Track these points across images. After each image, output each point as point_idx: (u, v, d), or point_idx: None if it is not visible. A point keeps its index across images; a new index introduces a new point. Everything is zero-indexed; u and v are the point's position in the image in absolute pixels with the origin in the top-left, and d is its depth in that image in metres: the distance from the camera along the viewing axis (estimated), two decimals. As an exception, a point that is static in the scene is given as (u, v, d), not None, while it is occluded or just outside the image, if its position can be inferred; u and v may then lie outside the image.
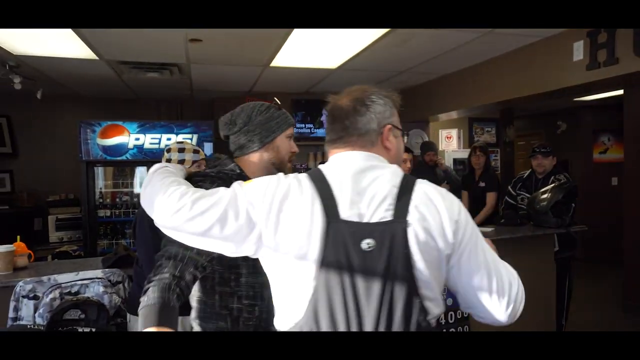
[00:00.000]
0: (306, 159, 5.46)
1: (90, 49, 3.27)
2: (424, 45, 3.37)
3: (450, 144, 6.19)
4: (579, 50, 2.97)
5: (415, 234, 1.00)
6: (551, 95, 3.41)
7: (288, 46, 3.30)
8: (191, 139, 4.71)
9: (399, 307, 1.00)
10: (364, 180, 1.05)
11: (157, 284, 1.19)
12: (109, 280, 2.19)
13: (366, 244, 0.99)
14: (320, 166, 1.11)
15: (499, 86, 3.82)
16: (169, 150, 2.22)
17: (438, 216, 1.03)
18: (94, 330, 1.94)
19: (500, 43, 3.42)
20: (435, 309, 1.05)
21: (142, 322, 1.11)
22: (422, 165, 4.82)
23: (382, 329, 1.00)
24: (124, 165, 4.72)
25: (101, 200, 4.74)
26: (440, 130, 6.12)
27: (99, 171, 4.74)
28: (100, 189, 4.81)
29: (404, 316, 1.00)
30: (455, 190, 4.80)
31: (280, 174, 1.09)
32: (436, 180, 4.71)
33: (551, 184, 3.65)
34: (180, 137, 4.66)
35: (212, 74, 4.26)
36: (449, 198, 1.07)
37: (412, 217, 1.01)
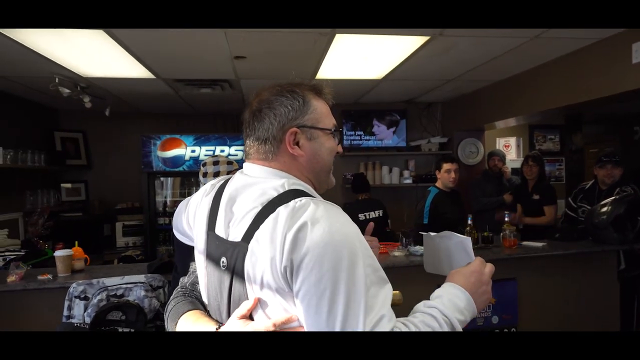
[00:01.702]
0: (357, 168, 5.46)
1: (148, 69, 3.54)
2: (467, 52, 3.27)
3: (508, 153, 5.91)
4: (638, 52, 2.74)
5: (251, 259, 0.92)
6: (610, 100, 3.17)
7: (329, 59, 3.36)
8: (244, 151, 4.94)
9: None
10: (238, 199, 1.01)
11: (175, 291, 1.27)
12: (150, 285, 2.35)
13: (222, 261, 1.00)
14: (235, 174, 1.09)
15: (553, 92, 3.60)
16: (204, 165, 2.35)
17: (272, 247, 0.88)
18: (132, 331, 2.09)
19: (545, 48, 3.24)
20: None
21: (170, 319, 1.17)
22: (487, 174, 4.67)
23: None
24: (181, 176, 5.02)
25: (161, 209, 5.07)
26: (497, 139, 5.87)
27: (168, 181, 5.10)
28: (166, 198, 5.17)
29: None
30: (546, 202, 4.61)
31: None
32: (502, 189, 4.53)
33: (615, 195, 3.38)
34: (232, 149, 4.88)
35: (262, 88, 4.42)
36: (303, 230, 0.86)
37: (253, 242, 0.92)
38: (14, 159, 4.01)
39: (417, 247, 3.01)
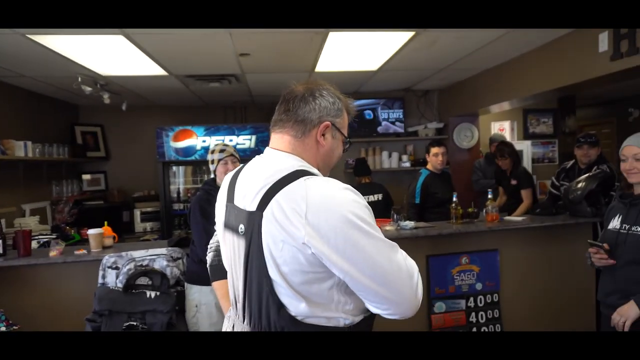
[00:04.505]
0: (358, 153, 5.77)
1: (161, 67, 3.88)
2: (450, 46, 3.57)
3: (502, 136, 6.19)
4: (603, 42, 3.01)
5: (268, 227, 1.07)
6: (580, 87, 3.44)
7: (325, 54, 3.67)
8: (250, 140, 5.29)
9: (254, 290, 1.13)
10: (255, 175, 1.17)
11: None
12: (171, 256, 2.72)
13: (240, 227, 1.16)
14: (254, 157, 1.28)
15: (540, 77, 3.80)
16: (212, 152, 2.68)
17: (286, 213, 1.04)
18: (158, 293, 2.47)
19: (523, 40, 3.52)
20: (293, 303, 1.09)
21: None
22: (489, 158, 4.97)
23: (247, 306, 1.17)
24: (193, 165, 5.40)
25: (175, 196, 5.46)
26: (492, 123, 6.14)
27: (180, 170, 5.48)
28: (179, 186, 5.56)
29: (257, 299, 1.13)
30: (523, 186, 4.88)
31: None
32: (505, 173, 4.81)
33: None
34: (240, 139, 5.24)
35: (267, 81, 4.74)
36: (316, 202, 1.03)
37: (268, 210, 1.06)
38: (41, 152, 4.40)
39: (407, 222, 3.34)
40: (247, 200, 1.15)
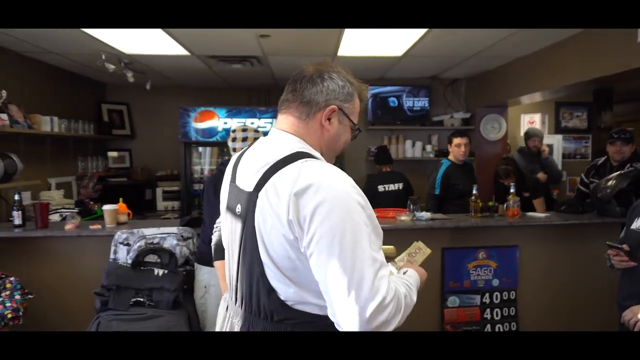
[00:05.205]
0: (381, 141, 5.67)
1: (183, 47, 3.88)
2: (478, 33, 3.42)
3: (532, 130, 5.95)
4: (643, 31, 2.82)
5: (261, 207, 1.06)
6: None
7: (347, 37, 3.58)
8: (272, 123, 5.26)
9: (246, 272, 1.12)
10: (256, 156, 1.16)
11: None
12: (182, 236, 2.73)
13: (237, 208, 1.15)
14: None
15: (576, 67, 3.61)
16: (234, 131, 2.66)
17: (279, 200, 1.02)
18: (166, 271, 2.49)
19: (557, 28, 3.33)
20: (283, 288, 1.07)
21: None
22: (523, 152, 4.80)
23: (239, 288, 1.16)
24: (214, 146, 5.42)
25: (197, 176, 5.51)
26: (522, 115, 5.90)
27: (207, 151, 5.53)
28: (203, 166, 5.61)
29: (249, 282, 1.12)
30: (554, 181, 4.74)
31: None
32: (539, 168, 4.66)
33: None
34: (262, 121, 5.22)
35: (289, 64, 4.68)
36: (309, 188, 0.99)
37: (263, 191, 1.06)
38: (67, 127, 4.50)
39: (423, 213, 3.26)
40: (247, 181, 1.14)
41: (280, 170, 1.04)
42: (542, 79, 4.13)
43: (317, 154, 1.14)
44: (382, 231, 1.06)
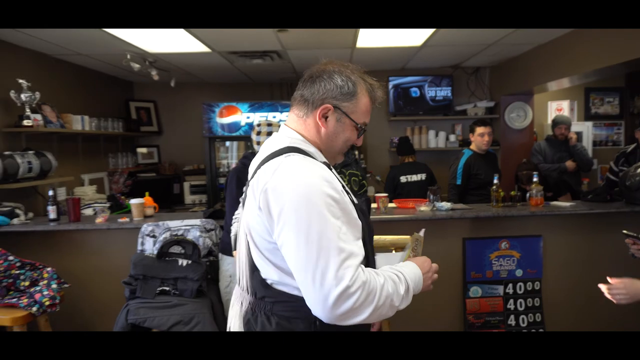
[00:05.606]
0: (403, 132, 5.64)
1: (204, 44, 3.96)
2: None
3: (560, 117, 5.79)
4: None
5: (249, 195, 1.18)
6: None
7: (364, 29, 3.58)
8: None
9: (243, 253, 1.24)
10: (264, 146, 1.24)
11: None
12: (205, 227, 2.83)
13: (243, 197, 1.29)
14: None
15: (602, 50, 3.46)
16: (259, 125, 2.71)
17: (258, 188, 1.10)
18: (190, 262, 2.58)
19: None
20: (264, 267, 1.15)
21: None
22: (551, 140, 4.70)
23: (238, 264, 1.29)
24: (238, 140, 5.52)
25: (222, 170, 5.63)
26: (549, 102, 5.74)
27: (234, 146, 5.65)
28: (229, 160, 5.73)
29: (242, 262, 1.25)
30: (584, 170, 4.61)
31: None
32: (567, 156, 4.56)
33: (656, 158, 3.37)
34: (284, 115, 5.28)
35: (309, 57, 4.70)
36: (279, 177, 1.06)
37: (253, 180, 1.15)
38: (97, 126, 4.68)
39: (443, 204, 3.24)
40: (251, 173, 1.24)
41: (266, 163, 1.12)
42: (569, 64, 3.98)
43: (311, 149, 1.18)
44: (359, 222, 1.10)
